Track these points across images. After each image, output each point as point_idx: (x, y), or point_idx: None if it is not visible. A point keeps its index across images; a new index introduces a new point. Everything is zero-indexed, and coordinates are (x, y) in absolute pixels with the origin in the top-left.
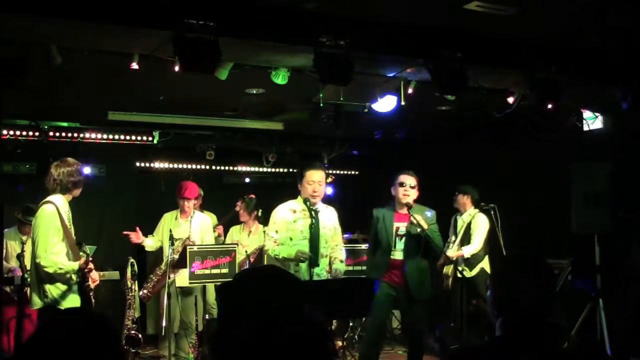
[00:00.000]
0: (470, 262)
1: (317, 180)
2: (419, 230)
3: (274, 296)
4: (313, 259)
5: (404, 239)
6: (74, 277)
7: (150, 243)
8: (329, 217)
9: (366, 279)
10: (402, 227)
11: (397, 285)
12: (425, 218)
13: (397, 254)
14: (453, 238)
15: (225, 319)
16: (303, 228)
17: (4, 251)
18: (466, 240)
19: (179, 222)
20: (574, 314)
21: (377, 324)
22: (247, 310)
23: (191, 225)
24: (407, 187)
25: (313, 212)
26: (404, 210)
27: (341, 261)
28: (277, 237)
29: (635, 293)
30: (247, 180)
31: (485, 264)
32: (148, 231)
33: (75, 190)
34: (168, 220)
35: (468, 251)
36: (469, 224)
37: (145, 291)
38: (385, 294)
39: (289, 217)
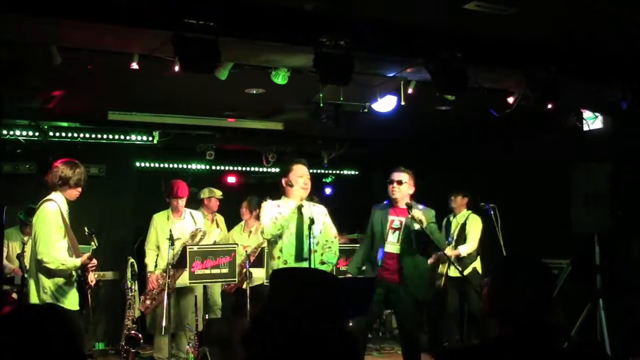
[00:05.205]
0: (464, 261)
1: (306, 174)
2: (417, 227)
3: (320, 299)
4: (298, 253)
5: (397, 232)
6: (74, 273)
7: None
8: (317, 213)
9: (366, 279)
10: (396, 220)
11: (390, 282)
12: (425, 215)
13: (389, 247)
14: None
15: (269, 312)
16: (289, 224)
17: (6, 251)
18: (461, 240)
19: (172, 222)
20: (574, 314)
21: (364, 322)
22: (293, 308)
23: (187, 225)
24: (395, 184)
25: (297, 208)
26: (400, 205)
27: (323, 263)
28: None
29: (635, 293)
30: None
31: (477, 264)
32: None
33: (76, 189)
34: (160, 222)
35: (464, 250)
36: (464, 224)
37: (148, 302)
38: (378, 292)
39: (275, 212)
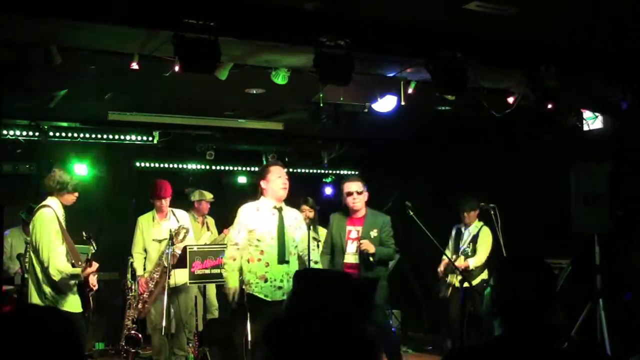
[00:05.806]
0: (472, 273)
1: (284, 175)
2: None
3: (345, 301)
4: (280, 256)
5: (355, 242)
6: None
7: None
8: (294, 217)
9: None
10: (353, 230)
11: None
12: (378, 226)
13: (348, 257)
14: (451, 247)
15: (292, 313)
16: (269, 227)
17: (10, 250)
18: (471, 251)
19: (158, 223)
20: (574, 314)
21: None
22: (317, 309)
23: (172, 225)
24: (355, 194)
25: (277, 210)
26: (356, 215)
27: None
28: (239, 240)
29: (635, 293)
30: (246, 180)
31: (484, 276)
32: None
33: (73, 194)
34: (145, 224)
35: (472, 263)
36: (476, 236)
37: (140, 306)
38: None
39: (253, 216)
